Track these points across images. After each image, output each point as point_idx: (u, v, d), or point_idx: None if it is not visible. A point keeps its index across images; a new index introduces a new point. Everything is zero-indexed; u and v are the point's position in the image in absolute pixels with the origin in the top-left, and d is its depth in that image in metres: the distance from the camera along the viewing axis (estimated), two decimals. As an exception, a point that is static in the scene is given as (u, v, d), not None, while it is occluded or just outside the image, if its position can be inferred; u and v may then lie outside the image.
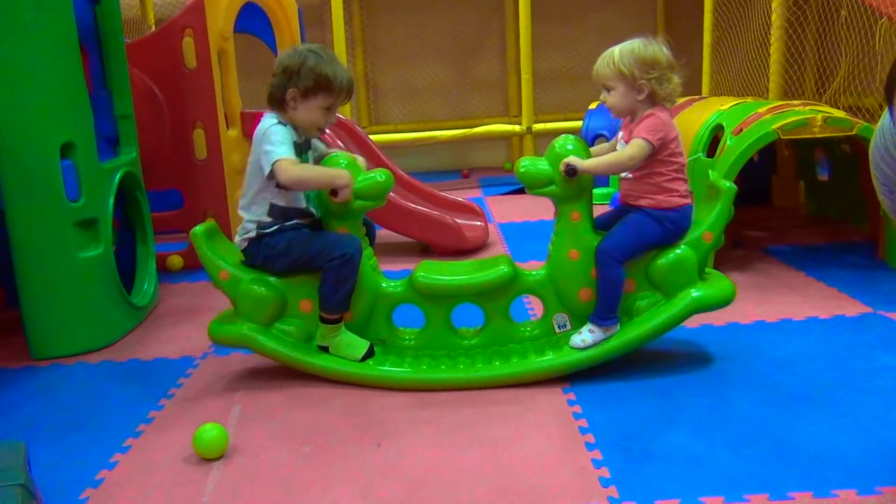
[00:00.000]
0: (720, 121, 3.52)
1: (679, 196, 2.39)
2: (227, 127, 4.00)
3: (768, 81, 4.63)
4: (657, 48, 2.35)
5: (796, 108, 3.36)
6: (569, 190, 2.36)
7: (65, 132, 2.77)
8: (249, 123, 4.01)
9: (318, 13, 7.28)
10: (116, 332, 3.00)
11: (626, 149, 2.34)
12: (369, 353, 2.44)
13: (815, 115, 3.17)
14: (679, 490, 1.76)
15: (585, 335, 2.38)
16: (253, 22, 4.65)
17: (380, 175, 2.42)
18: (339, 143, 4.23)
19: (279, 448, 2.07)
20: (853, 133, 3.17)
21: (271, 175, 2.34)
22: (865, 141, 3.21)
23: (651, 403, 2.21)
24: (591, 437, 2.03)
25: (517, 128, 6.68)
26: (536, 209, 4.98)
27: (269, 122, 2.41)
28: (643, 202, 2.39)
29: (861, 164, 3.70)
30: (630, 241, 2.36)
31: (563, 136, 2.42)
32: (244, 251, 2.48)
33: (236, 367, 2.64)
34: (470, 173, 7.21)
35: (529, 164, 2.38)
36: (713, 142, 3.50)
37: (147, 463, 2.03)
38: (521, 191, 5.62)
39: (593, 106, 5.44)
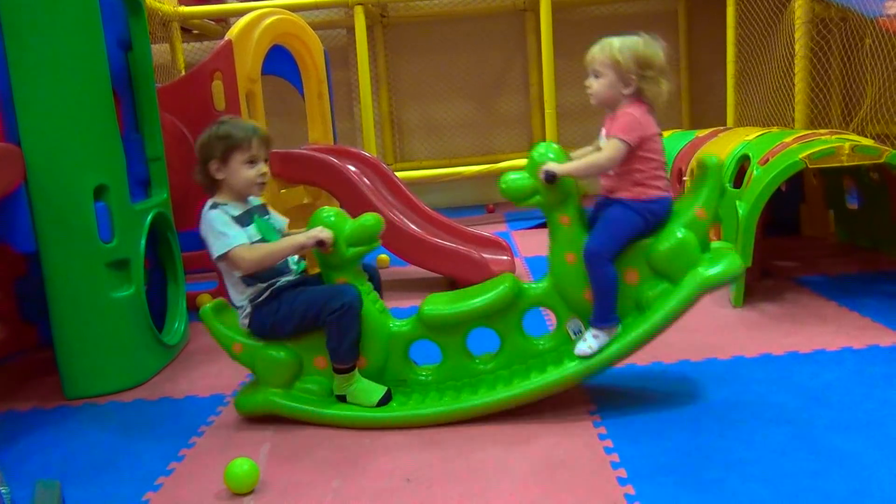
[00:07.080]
0: (746, 151, 3.50)
1: (658, 189, 2.36)
2: (256, 167, 4.05)
3: (793, 111, 4.61)
4: (656, 49, 2.35)
5: (823, 137, 3.34)
6: (553, 196, 2.35)
7: (98, 175, 2.84)
8: (278, 164, 4.07)
9: (343, 54, 7.41)
10: (148, 371, 3.03)
11: (604, 150, 2.33)
12: (386, 399, 2.44)
13: (843, 144, 3.15)
14: (714, 525, 1.73)
15: (591, 341, 2.36)
16: (280, 64, 4.75)
17: (367, 220, 2.43)
18: (366, 180, 4.27)
19: (309, 483, 2.07)
20: (881, 161, 3.14)
21: (223, 259, 2.38)
22: (894, 168, 3.18)
23: (683, 437, 2.18)
24: (623, 472, 2.00)
25: (542, 162, 6.68)
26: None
27: (204, 210, 2.44)
28: (622, 194, 2.36)
29: (891, 191, 3.67)
30: (614, 236, 2.33)
31: (540, 143, 2.42)
32: (250, 327, 2.49)
33: (266, 405, 2.65)
34: (495, 208, 7.23)
35: (510, 179, 2.38)
36: (739, 172, 3.49)
37: (179, 500, 2.04)
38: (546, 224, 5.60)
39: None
